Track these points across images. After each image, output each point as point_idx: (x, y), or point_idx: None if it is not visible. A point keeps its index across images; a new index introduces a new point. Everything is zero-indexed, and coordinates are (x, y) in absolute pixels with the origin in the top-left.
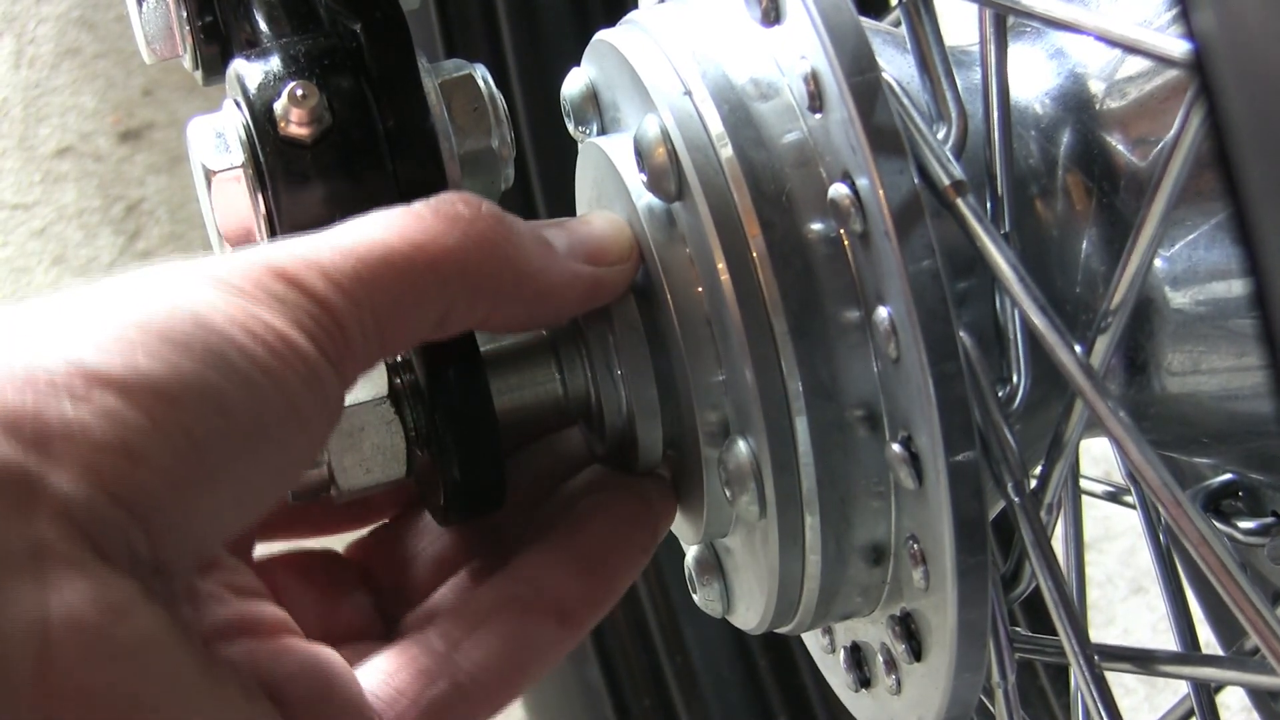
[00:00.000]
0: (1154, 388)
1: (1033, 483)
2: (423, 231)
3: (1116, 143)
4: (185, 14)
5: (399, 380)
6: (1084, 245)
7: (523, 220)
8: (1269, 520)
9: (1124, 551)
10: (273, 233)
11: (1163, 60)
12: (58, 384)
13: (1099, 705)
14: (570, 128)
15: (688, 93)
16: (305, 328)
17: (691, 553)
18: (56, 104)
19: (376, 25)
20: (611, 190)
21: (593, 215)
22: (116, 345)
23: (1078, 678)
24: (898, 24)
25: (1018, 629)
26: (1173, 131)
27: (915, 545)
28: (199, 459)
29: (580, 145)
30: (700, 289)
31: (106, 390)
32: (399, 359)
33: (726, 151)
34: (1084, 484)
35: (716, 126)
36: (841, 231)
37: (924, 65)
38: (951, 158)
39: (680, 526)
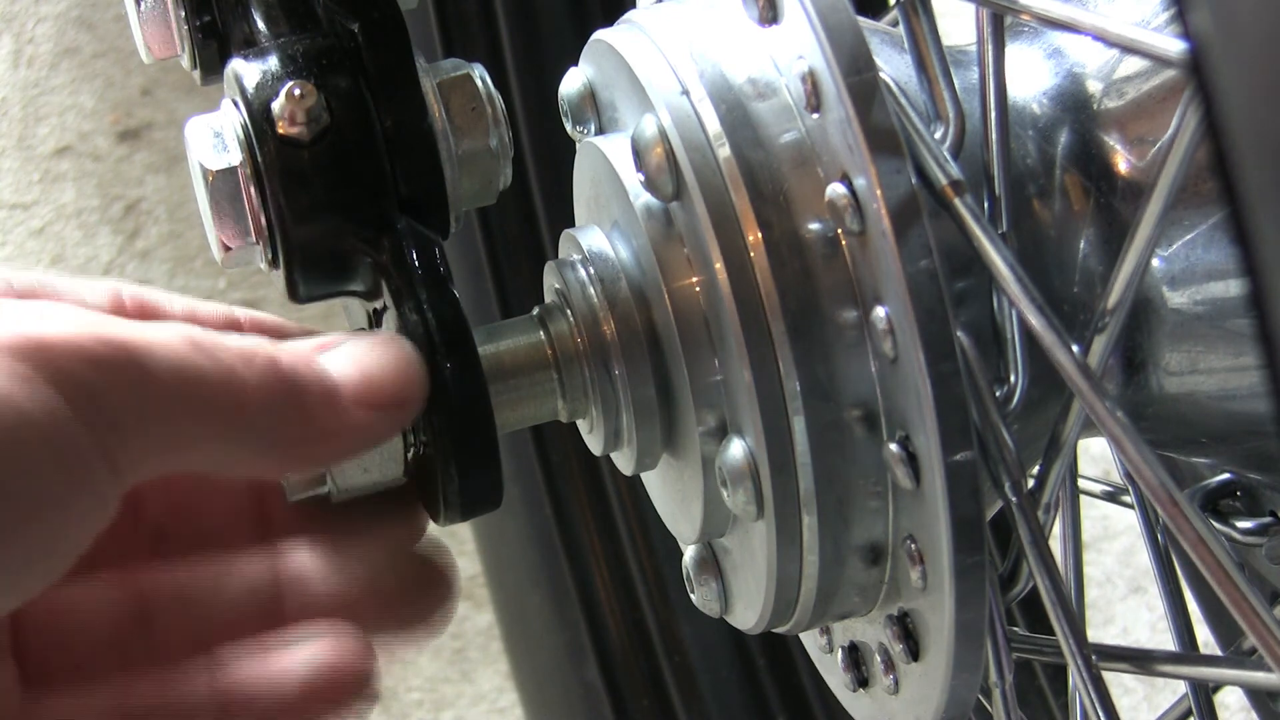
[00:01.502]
0: (1152, 387)
1: (1030, 482)
2: (219, 362)
3: (1114, 142)
4: (183, 13)
5: None
6: (1082, 245)
7: (313, 361)
8: (1267, 520)
9: (1122, 551)
10: (270, 232)
11: (1159, 60)
12: None
13: (1097, 705)
14: (568, 127)
15: (685, 92)
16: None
17: (689, 553)
18: (55, 103)
19: (374, 25)
20: (609, 190)
21: (390, 348)
22: None
23: (1076, 678)
24: (895, 24)
25: (1015, 629)
26: (1170, 131)
27: (913, 545)
28: None
29: (578, 145)
30: (698, 289)
31: None
32: None
33: (724, 151)
34: (1082, 484)
35: (714, 126)
36: (839, 231)
37: (921, 65)
38: (949, 157)
39: (678, 526)
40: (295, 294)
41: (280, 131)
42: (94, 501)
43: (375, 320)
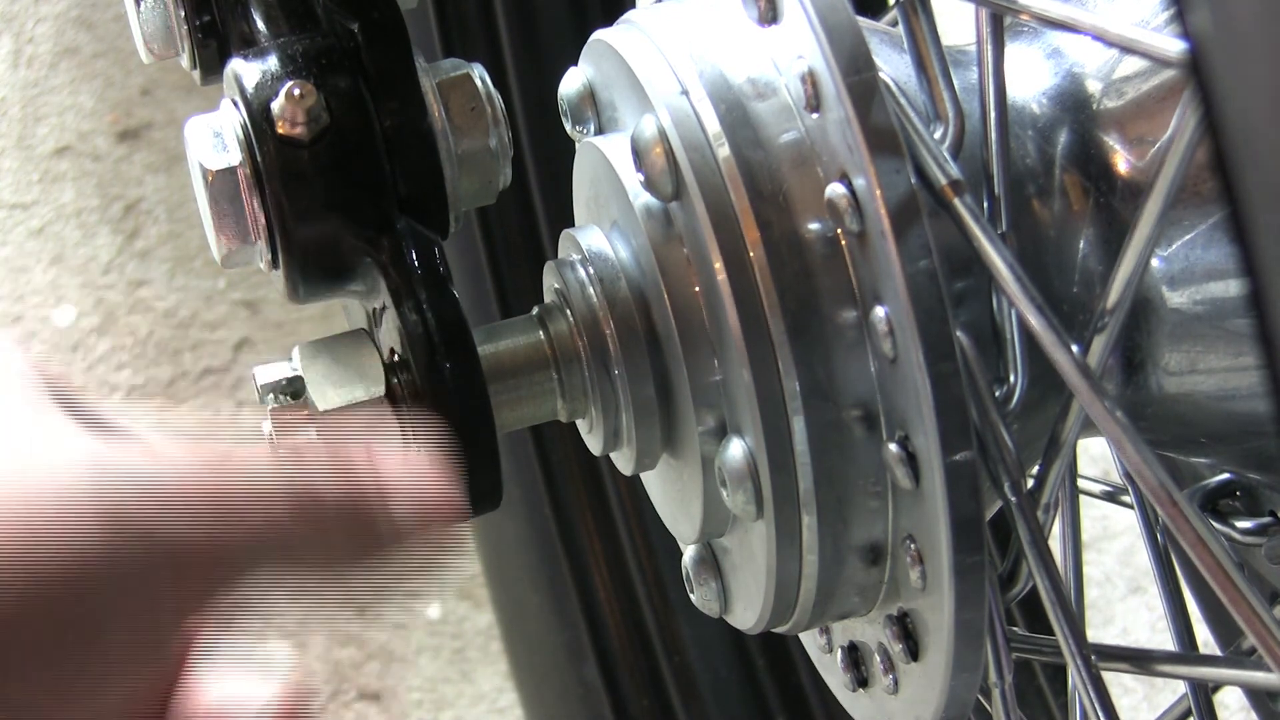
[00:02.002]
0: (1151, 387)
1: (1030, 482)
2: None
3: (1113, 142)
4: (183, 13)
5: (396, 381)
6: (1081, 245)
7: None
8: (1266, 520)
9: (1122, 551)
10: (270, 232)
11: (1158, 60)
12: None
13: (1096, 705)
14: (567, 127)
15: (685, 92)
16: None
17: (689, 553)
18: (55, 103)
19: (374, 25)
20: (609, 190)
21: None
22: None
23: (1075, 677)
24: (895, 24)
25: (1015, 629)
26: (1169, 131)
27: (912, 545)
28: None
29: (578, 145)
30: (697, 289)
31: None
32: (396, 358)
33: (724, 151)
34: (1082, 484)
35: (713, 126)
36: (839, 231)
37: (921, 65)
38: (949, 157)
39: (678, 526)
40: (295, 294)
41: (280, 131)
42: (157, 657)
43: (375, 320)
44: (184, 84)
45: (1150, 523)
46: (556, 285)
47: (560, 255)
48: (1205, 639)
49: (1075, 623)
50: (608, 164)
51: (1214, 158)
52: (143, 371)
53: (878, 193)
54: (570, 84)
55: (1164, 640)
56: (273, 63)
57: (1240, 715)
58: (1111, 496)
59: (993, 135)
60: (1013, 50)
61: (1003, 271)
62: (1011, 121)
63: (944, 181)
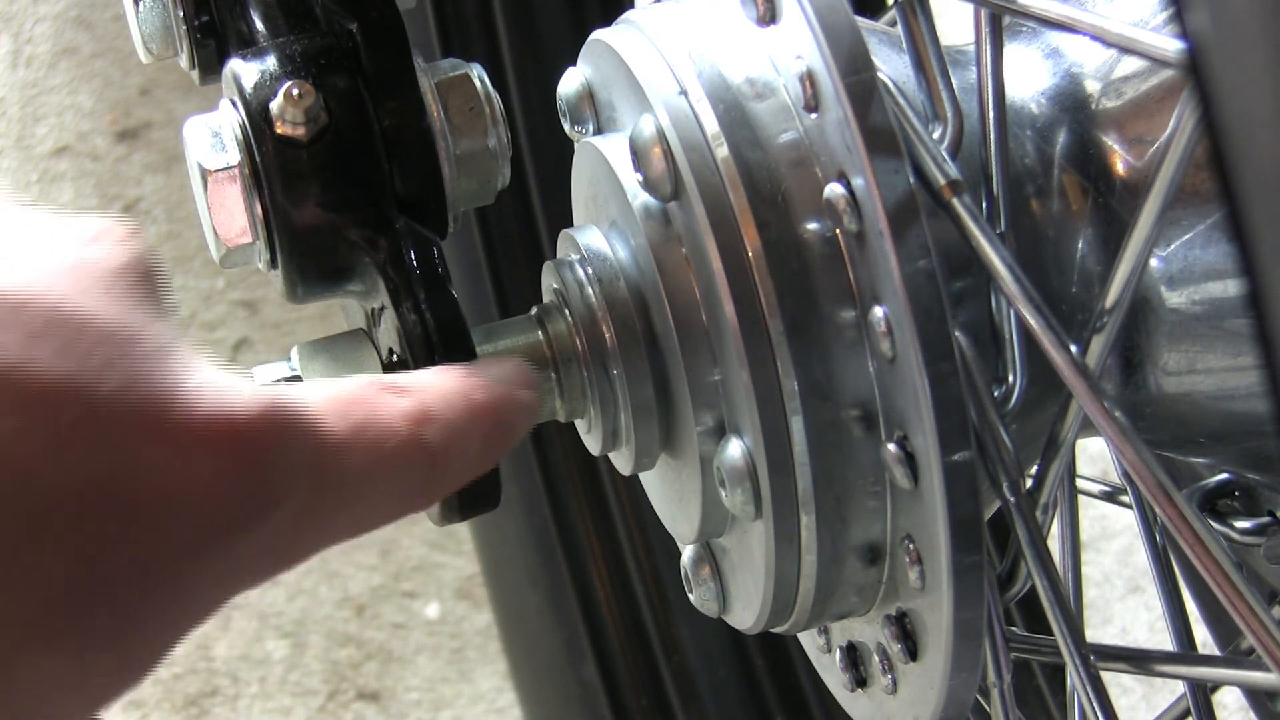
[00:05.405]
0: (1150, 387)
1: (1029, 482)
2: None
3: (1112, 142)
4: (181, 13)
5: None
6: (1080, 245)
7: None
8: (1265, 520)
9: (1121, 551)
10: (269, 232)
11: (1157, 60)
12: None
13: (1095, 705)
14: (566, 127)
15: (683, 92)
16: None
17: (687, 553)
18: (54, 103)
19: (373, 24)
20: (607, 190)
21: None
22: None
23: (1074, 677)
24: (894, 24)
25: (1014, 629)
26: (1168, 131)
27: (911, 545)
28: None
29: (576, 145)
30: (696, 289)
31: None
32: (394, 358)
33: (722, 151)
34: (1080, 483)
35: (712, 126)
36: (837, 231)
37: (920, 65)
38: (947, 157)
39: (676, 526)
40: (294, 294)
41: (278, 131)
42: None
43: (374, 320)
44: (183, 84)
45: (1149, 523)
46: (555, 285)
47: (559, 255)
48: (1204, 639)
49: (1074, 622)
50: (606, 164)
51: (1212, 157)
52: None
53: (876, 193)
54: (569, 84)
55: (1163, 640)
56: (271, 63)
57: (1239, 715)
58: (1110, 496)
59: (991, 135)
60: (1011, 50)
61: (1001, 271)
62: (1010, 121)
63: (942, 181)
